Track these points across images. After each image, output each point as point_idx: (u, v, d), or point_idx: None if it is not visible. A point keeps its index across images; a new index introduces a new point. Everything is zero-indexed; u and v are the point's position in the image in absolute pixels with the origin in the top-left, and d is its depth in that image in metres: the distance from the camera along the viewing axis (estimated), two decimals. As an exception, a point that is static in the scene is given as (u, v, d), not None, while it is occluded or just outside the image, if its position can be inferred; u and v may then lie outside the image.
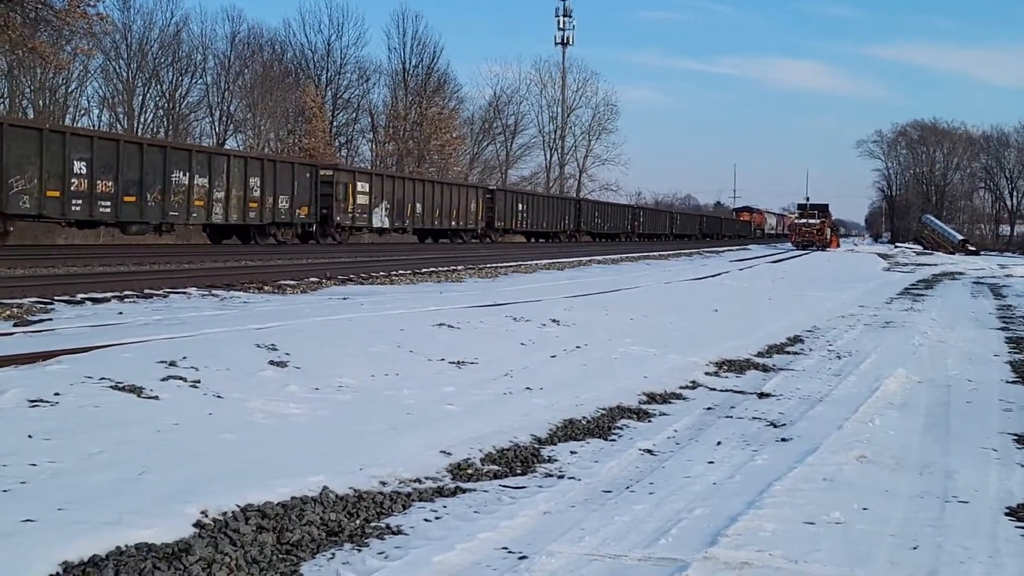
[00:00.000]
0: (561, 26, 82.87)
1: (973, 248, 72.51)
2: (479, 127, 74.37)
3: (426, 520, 4.81)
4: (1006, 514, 5.23)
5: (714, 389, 9.12)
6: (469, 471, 5.73)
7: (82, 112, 49.66)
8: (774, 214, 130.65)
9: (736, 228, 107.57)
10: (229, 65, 55.84)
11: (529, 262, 27.74)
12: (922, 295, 24.27)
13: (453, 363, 8.69)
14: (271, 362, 7.61)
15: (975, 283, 31.61)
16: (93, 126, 46.05)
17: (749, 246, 67.14)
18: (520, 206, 50.49)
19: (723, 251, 52.34)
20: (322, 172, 34.41)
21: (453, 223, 43.68)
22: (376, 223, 37.07)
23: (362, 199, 36.00)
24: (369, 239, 38.73)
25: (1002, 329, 15.89)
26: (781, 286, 23.62)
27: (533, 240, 54.02)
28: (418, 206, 40.13)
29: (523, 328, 10.95)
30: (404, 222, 39.20)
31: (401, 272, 20.72)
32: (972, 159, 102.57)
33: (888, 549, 4.52)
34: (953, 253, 66.17)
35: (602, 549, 4.42)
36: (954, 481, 5.85)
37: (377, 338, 9.16)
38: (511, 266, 25.60)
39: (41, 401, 5.74)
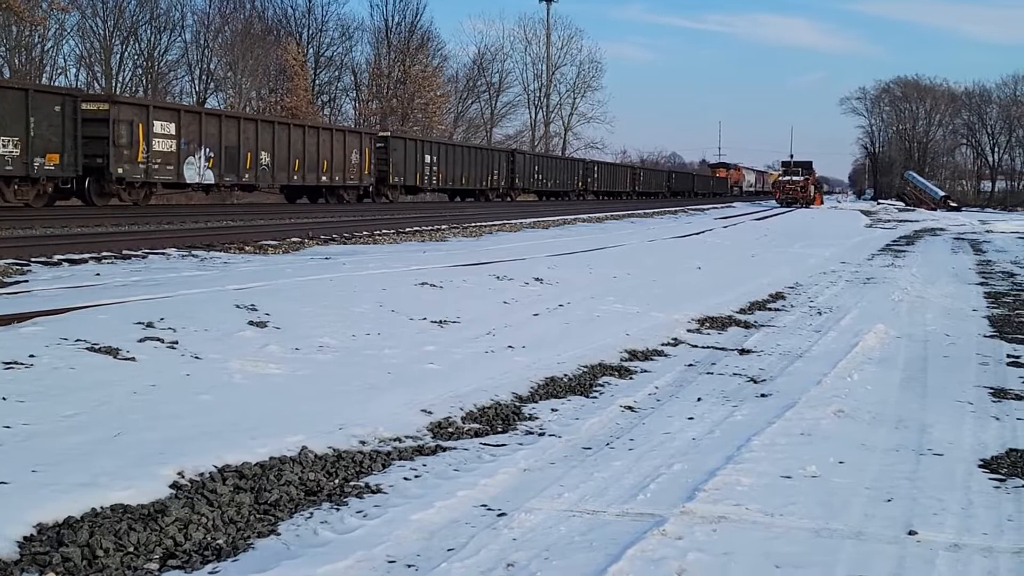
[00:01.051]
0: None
1: (955, 204, 72.74)
2: (463, 85, 73.87)
3: (406, 479, 4.81)
4: (980, 466, 5.28)
5: (696, 346, 9.15)
6: (450, 429, 5.74)
7: (59, 71, 49.04)
8: (753, 171, 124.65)
9: (711, 185, 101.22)
10: (209, 22, 55.12)
11: (513, 220, 27.66)
12: (903, 251, 24.38)
13: (435, 322, 8.68)
14: (250, 322, 7.57)
15: (956, 239, 31.75)
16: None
17: (734, 204, 67.10)
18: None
19: (708, 209, 52.35)
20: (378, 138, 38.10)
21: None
22: (422, 182, 40.49)
23: (409, 161, 39.16)
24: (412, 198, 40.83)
25: (981, 284, 15.99)
26: (764, 243, 23.67)
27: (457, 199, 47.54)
28: (457, 168, 43.33)
29: (506, 286, 10.93)
30: (445, 182, 42.46)
31: (385, 231, 20.63)
32: (954, 116, 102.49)
33: (863, 502, 4.55)
34: (935, 209, 66.38)
35: (581, 505, 4.44)
36: (929, 434, 5.89)
37: (358, 298, 9.13)
38: (496, 224, 25.53)
39: (16, 363, 5.69)
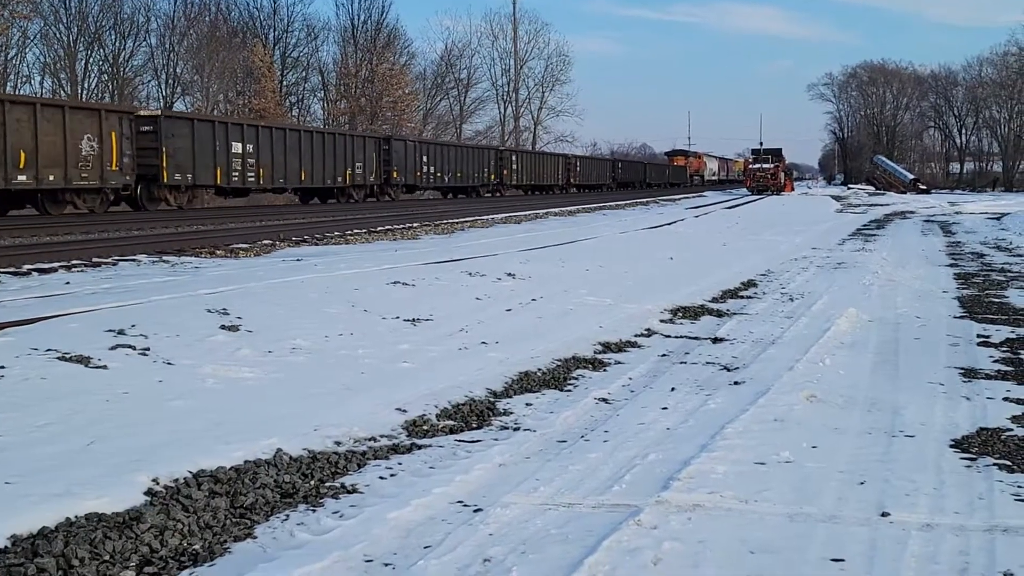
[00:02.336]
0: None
1: (924, 187, 73.45)
2: (431, 82, 73.88)
3: (381, 478, 4.81)
4: (951, 446, 5.34)
5: (669, 336, 9.19)
6: (425, 427, 5.74)
7: (23, 79, 48.59)
8: (716, 158, 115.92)
9: (667, 175, 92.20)
10: (174, 26, 54.82)
11: (485, 217, 27.65)
12: (874, 235, 24.59)
13: (408, 321, 8.67)
14: (223, 327, 7.54)
15: (926, 221, 32.05)
16: (36, 93, 45.05)
17: (705, 193, 67.30)
18: (426, 157, 44.50)
19: (679, 199, 52.53)
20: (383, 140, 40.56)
21: (472, 180, 49.35)
22: (420, 181, 42.99)
23: (411, 161, 41.84)
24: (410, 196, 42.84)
25: (951, 266, 16.15)
26: (736, 231, 23.79)
27: (536, 193, 56.12)
28: (449, 165, 45.43)
29: (478, 283, 10.94)
30: (442, 180, 44.96)
31: (356, 231, 20.57)
32: (921, 99, 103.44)
33: (836, 485, 4.60)
34: (905, 192, 66.98)
35: (556, 498, 4.46)
36: (901, 416, 5.96)
37: (331, 299, 9.11)
38: (467, 221, 25.51)
39: (-14, 375, 5.65)
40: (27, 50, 48.68)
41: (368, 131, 47.88)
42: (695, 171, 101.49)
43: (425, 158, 43.36)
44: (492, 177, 51.19)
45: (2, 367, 5.80)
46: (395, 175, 40.51)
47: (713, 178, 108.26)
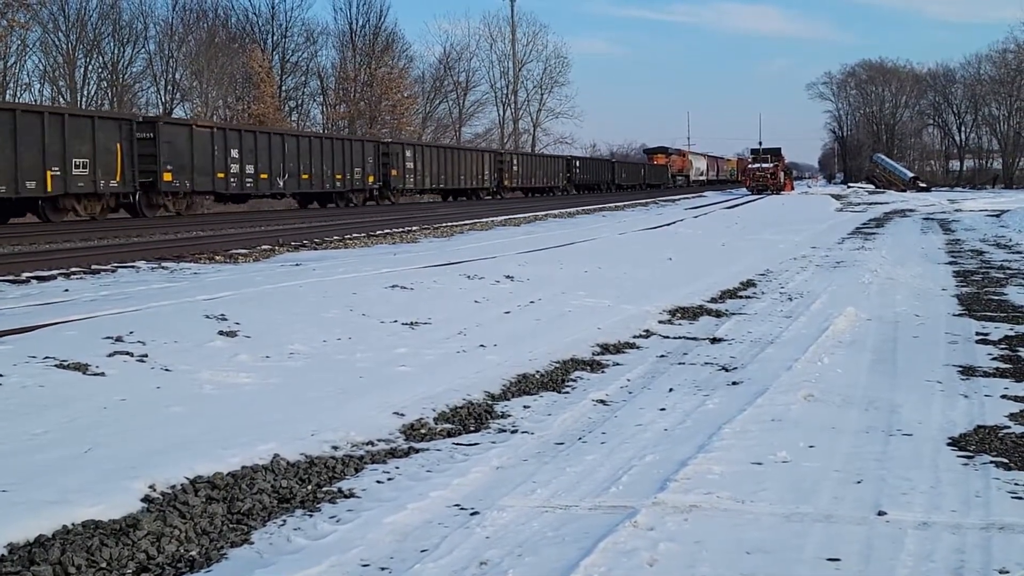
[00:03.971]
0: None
1: (924, 185, 73.47)
2: (430, 85, 73.87)
3: (378, 482, 4.82)
4: (948, 444, 5.34)
5: (667, 337, 9.19)
6: (422, 431, 5.75)
7: (23, 87, 48.63)
8: (704, 156, 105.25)
9: (643, 175, 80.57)
10: (172, 32, 54.83)
11: (485, 219, 27.66)
12: (873, 233, 24.59)
13: (406, 324, 8.68)
14: (220, 332, 7.55)
15: (925, 219, 32.06)
16: (35, 101, 45.10)
17: (704, 193, 67.24)
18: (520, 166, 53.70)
19: (679, 199, 52.52)
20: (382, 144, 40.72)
21: (552, 182, 56.98)
22: (419, 185, 42.98)
23: (409, 165, 41.77)
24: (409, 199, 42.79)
25: (950, 264, 16.16)
26: (735, 231, 23.79)
27: (532, 195, 55.83)
28: (449, 169, 45.47)
29: (477, 285, 10.95)
30: (438, 184, 44.75)
31: (355, 235, 20.58)
32: (920, 96, 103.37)
33: (833, 484, 4.60)
34: (904, 191, 66.99)
35: (553, 500, 4.47)
36: (898, 415, 5.96)
37: (329, 303, 9.11)
38: (467, 224, 25.52)
39: (-16, 383, 5.65)
40: (26, 58, 48.75)
41: (367, 136, 48.10)
42: (679, 170, 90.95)
43: (424, 161, 43.35)
44: (492, 180, 51.26)
45: (0, 375, 5.81)
46: (394, 176, 40.41)
47: (701, 178, 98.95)
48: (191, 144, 28.06)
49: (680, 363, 7.90)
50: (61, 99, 48.64)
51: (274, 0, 60.95)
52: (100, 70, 52.33)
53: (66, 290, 10.70)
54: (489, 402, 6.45)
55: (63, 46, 50.26)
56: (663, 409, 6.27)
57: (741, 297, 12.01)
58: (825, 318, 9.70)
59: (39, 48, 48.97)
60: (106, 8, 51.77)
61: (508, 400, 6.57)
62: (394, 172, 40.50)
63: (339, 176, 37.00)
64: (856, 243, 21.06)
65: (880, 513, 4.20)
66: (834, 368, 7.37)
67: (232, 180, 30.45)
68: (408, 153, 42.04)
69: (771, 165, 64.96)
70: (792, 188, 68.64)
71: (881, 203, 46.45)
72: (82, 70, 51.38)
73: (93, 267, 13.14)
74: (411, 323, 8.73)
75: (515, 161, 55.48)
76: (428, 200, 47.41)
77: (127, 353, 6.61)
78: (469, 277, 11.36)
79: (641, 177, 79.90)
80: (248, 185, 31.33)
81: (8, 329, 7.26)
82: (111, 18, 51.90)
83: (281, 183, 33.24)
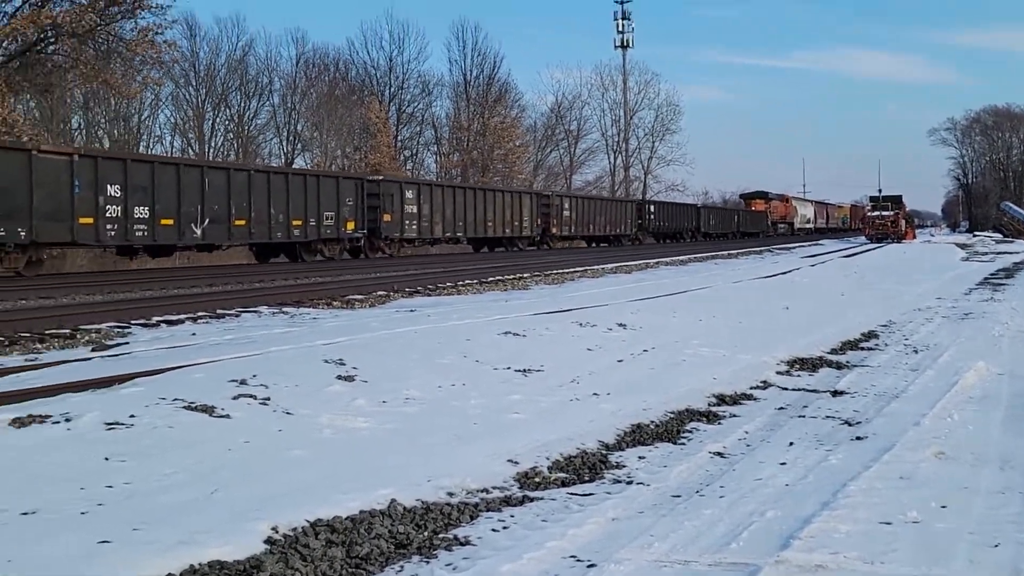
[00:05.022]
0: (620, 29, 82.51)
1: (1056, 234, 70.44)
2: (542, 134, 74.50)
3: (494, 530, 4.81)
4: (1092, 508, 5.05)
5: (786, 388, 8.98)
6: (537, 479, 5.72)
7: (155, 139, 50.98)
8: (810, 202, 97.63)
9: (735, 222, 73.26)
10: (295, 86, 56.85)
11: (595, 266, 27.64)
12: (1002, 284, 23.64)
13: (519, 371, 8.69)
14: (339, 377, 7.69)
15: (1058, 270, 30.69)
16: (166, 153, 47.21)
17: (821, 241, 65.82)
18: (573, 210, 47.44)
19: (795, 247, 51.56)
20: (368, 183, 33.09)
21: (617, 230, 49.64)
22: (426, 233, 35.89)
23: (411, 208, 34.58)
24: (415, 251, 37.63)
25: (1087, 316, 15.39)
26: (854, 281, 23.20)
27: (594, 245, 51.33)
28: (470, 214, 38.64)
29: (589, 333, 10.91)
30: (455, 232, 38.10)
31: (468, 281, 20.79)
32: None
33: (968, 547, 4.39)
34: (1035, 240, 64.33)
35: (671, 555, 4.38)
36: (1037, 475, 5.67)
37: (443, 349, 9.20)
38: (577, 271, 25.53)
39: (117, 424, 5.88)
40: (159, 111, 51.16)
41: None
42: (780, 217, 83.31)
43: (433, 203, 38.75)
44: (534, 226, 44.25)
45: (132, 416, 6.03)
46: (386, 222, 33.31)
47: (808, 225, 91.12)
48: (401, 198, 33.44)
49: (800, 416, 7.70)
50: (191, 150, 50.79)
51: (392, 53, 62.61)
52: (227, 122, 54.53)
53: (193, 334, 11.08)
54: (603, 451, 6.39)
55: (193, 99, 52.62)
56: (783, 463, 6.11)
57: (863, 349, 11.67)
58: (954, 372, 9.34)
59: (171, 102, 51.37)
60: (234, 63, 54.07)
61: (623, 450, 6.50)
62: (387, 217, 32.70)
63: (508, 224, 39.55)
64: (985, 294, 20.27)
65: (1020, 579, 3.99)
66: (965, 424, 7.07)
67: (412, 226, 33.59)
68: (409, 194, 34.59)
69: (891, 213, 63.27)
70: (914, 236, 66.65)
71: (1010, 252, 44.67)
72: (210, 122, 53.62)
73: (218, 311, 13.58)
74: (524, 370, 8.74)
75: (565, 205, 47.41)
76: (436, 253, 40.46)
77: (251, 396, 6.79)
78: (581, 324, 11.33)
79: (734, 224, 72.92)
80: (424, 229, 34.04)
81: (140, 371, 7.55)
82: (239, 72, 54.14)
83: (461, 231, 36.01)
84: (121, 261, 25.78)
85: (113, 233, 22.37)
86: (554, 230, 45.78)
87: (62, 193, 21.01)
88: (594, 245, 50.80)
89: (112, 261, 26.22)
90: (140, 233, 23.10)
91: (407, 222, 34.25)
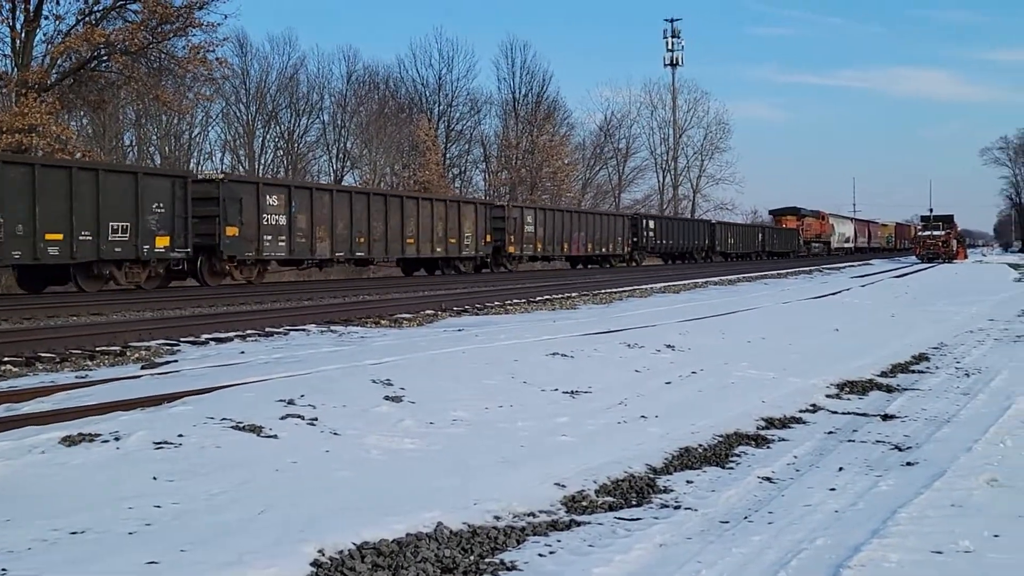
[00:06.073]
0: (670, 47, 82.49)
1: (1113, 253, 68.95)
2: (590, 152, 74.55)
3: (540, 555, 4.79)
4: None
5: (835, 412, 8.87)
6: (583, 503, 5.70)
7: (206, 156, 51.75)
8: (849, 219, 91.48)
9: (761, 240, 67.36)
10: (345, 103, 57.42)
11: (644, 286, 27.52)
12: (1058, 305, 23.15)
13: (567, 393, 8.68)
14: (386, 397, 7.73)
15: (1117, 290, 30.00)
16: (216, 170, 47.88)
17: (871, 261, 64.97)
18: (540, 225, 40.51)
19: (843, 267, 51.00)
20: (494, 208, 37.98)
21: (604, 249, 45.83)
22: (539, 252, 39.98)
23: (528, 230, 38.60)
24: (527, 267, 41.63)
25: None
26: (905, 301, 22.87)
27: (580, 266, 46.53)
28: (575, 235, 42.28)
29: (637, 354, 10.86)
30: (556, 251, 41.34)
31: (515, 301, 20.81)
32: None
33: (1023, 580, 4.30)
34: (1091, 259, 63.02)
35: (719, 583, 4.33)
36: (1095, 505, 5.53)
37: (490, 370, 9.21)
38: (626, 291, 25.45)
39: (166, 443, 5.95)
40: (209, 128, 51.94)
41: (619, 211, 54.26)
42: (815, 235, 77.91)
43: (653, 229, 47.99)
44: (480, 245, 36.64)
45: (181, 435, 6.10)
46: (510, 246, 37.01)
47: (847, 245, 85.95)
48: (507, 218, 37.85)
49: (850, 440, 7.59)
50: (240, 167, 51.44)
51: (441, 71, 63.02)
52: (277, 139, 55.20)
53: (242, 352, 11.20)
54: (651, 475, 6.35)
55: (243, 117, 53.35)
56: (833, 489, 6.03)
57: (913, 372, 11.50)
58: (1007, 396, 9.16)
59: (221, 119, 52.13)
60: (284, 81, 54.75)
61: (670, 474, 6.45)
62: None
63: (604, 244, 43.66)
64: (1039, 315, 19.87)
65: (1077, 614, 3.90)
66: (1019, 451, 6.92)
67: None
68: (528, 217, 38.40)
69: (943, 232, 62.43)
70: (965, 256, 65.64)
71: (1065, 272, 43.77)
72: (260, 139, 54.32)
73: (267, 330, 13.71)
74: (571, 392, 8.72)
75: (527, 218, 38.99)
76: (549, 269, 42.10)
77: (298, 416, 6.84)
78: (629, 346, 11.29)
79: (758, 243, 66.43)
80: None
81: (189, 390, 7.64)
82: (289, 90, 54.80)
83: (553, 249, 39.34)
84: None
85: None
86: (511, 248, 37.85)
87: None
88: (580, 267, 45.21)
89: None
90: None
91: (526, 242, 38.53)
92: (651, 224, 51.47)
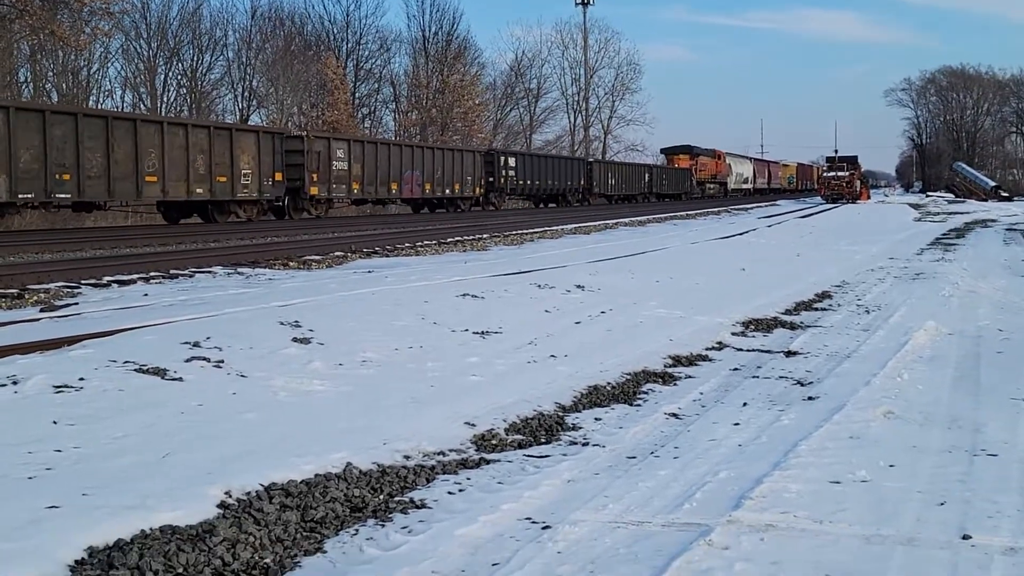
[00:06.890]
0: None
1: (1006, 194, 71.63)
2: (501, 92, 74.03)
3: (450, 493, 4.81)
4: (1036, 467, 5.16)
5: (741, 349, 9.06)
6: (493, 442, 5.73)
7: (105, 93, 49.87)
8: (747, 159, 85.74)
9: (647, 182, 60.70)
10: (250, 40, 55.80)
11: (555, 227, 27.63)
12: (953, 244, 24.00)
13: (477, 333, 8.68)
14: (294, 339, 7.63)
15: (1008, 230, 31.20)
16: (117, 107, 46.31)
17: (778, 201, 66.19)
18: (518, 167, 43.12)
19: (752, 208, 51.92)
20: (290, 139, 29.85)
21: (448, 191, 38.89)
22: (357, 193, 32.76)
23: (339, 166, 31.20)
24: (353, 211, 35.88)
25: (1035, 277, 15.67)
26: (809, 241, 23.42)
27: (541, 205, 47.53)
28: (406, 173, 34.88)
29: (547, 295, 10.91)
30: (382, 192, 34.20)
31: (427, 243, 20.71)
32: (1002, 104, 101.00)
33: (915, 506, 4.47)
34: (986, 200, 65.35)
35: (626, 516, 4.41)
36: (983, 434, 5.77)
37: (401, 311, 9.16)
38: (537, 232, 25.52)
39: (66, 386, 5.79)
40: (108, 65, 50.02)
41: (472, 146, 49.05)
42: (711, 176, 72.00)
43: (515, 167, 42.98)
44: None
45: (82, 379, 5.94)
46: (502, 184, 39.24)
47: (746, 186, 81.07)
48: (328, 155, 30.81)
49: (754, 377, 7.78)
50: (142, 105, 49.81)
51: (349, 8, 62.03)
52: (180, 77, 53.48)
53: (145, 294, 10.93)
54: (560, 414, 6.41)
55: (144, 53, 51.49)
56: (737, 424, 6.17)
57: (817, 309, 11.80)
58: (904, 332, 9.47)
59: (121, 55, 50.23)
60: (187, 16, 52.92)
61: (579, 412, 6.53)
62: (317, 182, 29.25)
63: (448, 184, 37.68)
64: (936, 254, 20.57)
65: (965, 537, 4.07)
66: (914, 384, 7.18)
67: (353, 187, 32.14)
68: (511, 161, 40.46)
69: (847, 173, 63.85)
70: (868, 197, 67.33)
71: (961, 213, 45.30)
72: (162, 77, 52.58)
73: (172, 272, 13.40)
74: (482, 332, 8.73)
75: (337, 152, 32.02)
76: (513, 207, 45.33)
77: (204, 359, 6.71)
78: (540, 286, 11.33)
79: (644, 184, 60.01)
80: (368, 191, 32.90)
81: (90, 333, 7.43)
82: (191, 26, 53.01)
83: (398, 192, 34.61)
84: (72, 219, 25.32)
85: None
86: (314, 190, 31.22)
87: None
88: (425, 211, 40.28)
89: (63, 219, 25.76)
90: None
91: (335, 181, 31.25)
92: (511, 161, 44.39)
